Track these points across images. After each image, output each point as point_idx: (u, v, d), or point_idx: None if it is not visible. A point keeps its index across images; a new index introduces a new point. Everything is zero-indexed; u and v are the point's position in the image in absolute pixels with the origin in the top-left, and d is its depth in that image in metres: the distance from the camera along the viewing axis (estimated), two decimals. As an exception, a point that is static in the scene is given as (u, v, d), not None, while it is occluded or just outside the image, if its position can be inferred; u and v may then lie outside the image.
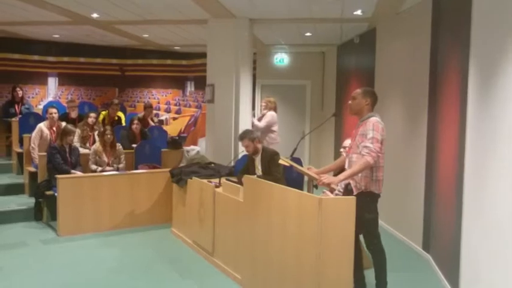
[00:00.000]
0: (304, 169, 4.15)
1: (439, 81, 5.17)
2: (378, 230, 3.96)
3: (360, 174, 3.77)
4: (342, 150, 5.04)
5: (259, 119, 7.28)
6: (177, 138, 8.33)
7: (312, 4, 6.16)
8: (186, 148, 7.75)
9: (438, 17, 5.31)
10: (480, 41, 3.75)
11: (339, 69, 9.81)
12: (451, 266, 4.38)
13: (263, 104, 7.42)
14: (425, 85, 5.51)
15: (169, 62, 11.92)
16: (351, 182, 3.84)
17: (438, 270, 4.88)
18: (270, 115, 7.23)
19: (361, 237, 4.07)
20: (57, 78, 10.92)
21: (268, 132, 7.18)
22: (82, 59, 11.09)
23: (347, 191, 3.89)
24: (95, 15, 7.39)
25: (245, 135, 5.36)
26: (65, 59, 10.90)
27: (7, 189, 7.18)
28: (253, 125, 7.24)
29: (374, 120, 3.76)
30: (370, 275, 4.52)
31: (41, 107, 9.70)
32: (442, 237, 4.84)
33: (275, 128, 7.27)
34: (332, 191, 4.97)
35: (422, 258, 5.41)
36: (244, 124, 7.21)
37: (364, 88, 4.00)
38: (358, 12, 6.53)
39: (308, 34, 8.56)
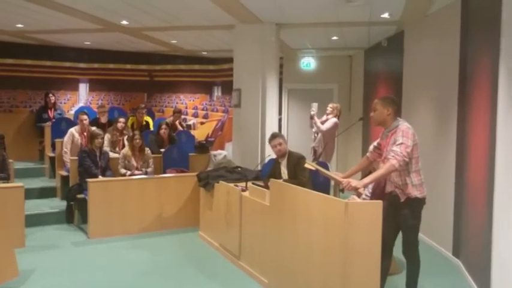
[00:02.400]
0: (329, 173, 4.14)
1: (469, 83, 5.08)
2: (417, 237, 3.92)
3: (400, 182, 3.75)
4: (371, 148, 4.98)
5: (322, 123, 7.25)
6: (204, 142, 8.41)
7: (339, 8, 6.15)
8: (213, 152, 7.80)
9: (467, 18, 5.22)
10: (510, 42, 3.68)
11: (367, 73, 9.74)
12: (481, 271, 4.29)
13: (329, 108, 7.37)
14: (455, 88, 5.42)
15: (196, 67, 12.05)
16: (396, 189, 3.82)
17: (468, 276, 4.78)
18: (333, 121, 7.18)
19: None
20: (88, 84, 11.18)
21: (332, 138, 7.17)
22: (112, 65, 11.32)
23: (391, 197, 3.86)
24: (124, 22, 7.55)
25: (278, 135, 5.41)
26: (96, 65, 11.16)
27: (40, 192, 7.37)
28: (315, 125, 7.19)
29: (403, 127, 3.73)
30: (398, 281, 4.49)
31: (72, 112, 9.95)
32: (473, 243, 4.74)
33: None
34: (359, 195, 4.93)
35: (452, 263, 5.31)
36: (271, 128, 7.22)
37: (383, 97, 3.96)
38: (386, 15, 6.48)
39: (335, 38, 8.54)
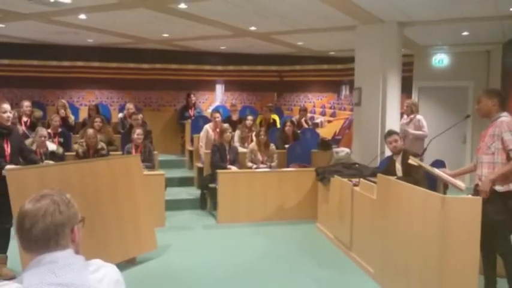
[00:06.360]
0: (434, 170, 4.19)
1: None
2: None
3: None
4: None
5: (408, 124, 7.25)
6: (327, 140, 8.68)
7: (460, 3, 6.00)
8: (335, 149, 8.06)
9: None
10: None
11: (504, 69, 9.14)
12: None
13: (408, 106, 7.40)
14: None
15: (325, 67, 12.30)
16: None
17: None
18: (423, 119, 7.22)
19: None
20: (223, 85, 12.15)
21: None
22: (245, 67, 12.14)
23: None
24: (252, 28, 8.18)
25: (394, 132, 5.57)
26: (230, 67, 12.07)
27: (180, 181, 8.38)
28: (419, 136, 7.20)
29: (507, 120, 3.66)
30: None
31: (209, 111, 10.92)
32: None
33: None
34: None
35: None
36: (391, 127, 7.22)
37: (487, 89, 3.95)
38: (515, 8, 6.15)
39: (465, 33, 8.21)
